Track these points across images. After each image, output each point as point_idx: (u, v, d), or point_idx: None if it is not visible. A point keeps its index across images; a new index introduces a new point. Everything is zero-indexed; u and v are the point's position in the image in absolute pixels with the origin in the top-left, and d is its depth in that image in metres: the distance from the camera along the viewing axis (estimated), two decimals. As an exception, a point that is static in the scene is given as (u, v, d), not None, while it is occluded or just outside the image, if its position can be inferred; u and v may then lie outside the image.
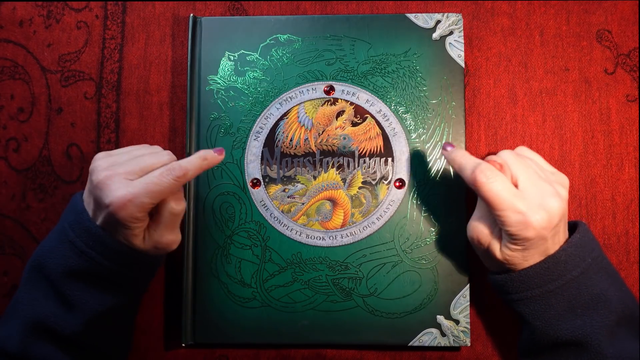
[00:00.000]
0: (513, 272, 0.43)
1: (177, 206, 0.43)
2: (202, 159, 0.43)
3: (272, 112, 0.51)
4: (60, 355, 0.43)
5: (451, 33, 0.51)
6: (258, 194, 0.51)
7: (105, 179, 0.41)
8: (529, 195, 0.41)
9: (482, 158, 0.53)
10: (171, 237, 0.44)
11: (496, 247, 0.43)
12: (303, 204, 0.51)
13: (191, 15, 0.52)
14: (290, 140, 0.51)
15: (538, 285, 0.42)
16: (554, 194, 0.41)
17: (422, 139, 0.51)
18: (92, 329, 0.43)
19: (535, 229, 0.40)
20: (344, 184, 0.51)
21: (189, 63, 0.51)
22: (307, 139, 0.51)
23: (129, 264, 0.44)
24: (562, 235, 0.43)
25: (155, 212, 0.43)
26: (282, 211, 0.51)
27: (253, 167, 0.51)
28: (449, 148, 0.47)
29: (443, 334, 0.49)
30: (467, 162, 0.44)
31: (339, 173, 0.51)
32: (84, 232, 0.42)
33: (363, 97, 0.51)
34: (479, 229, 0.44)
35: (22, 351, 0.41)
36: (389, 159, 0.51)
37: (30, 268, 0.44)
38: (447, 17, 0.51)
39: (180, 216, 0.44)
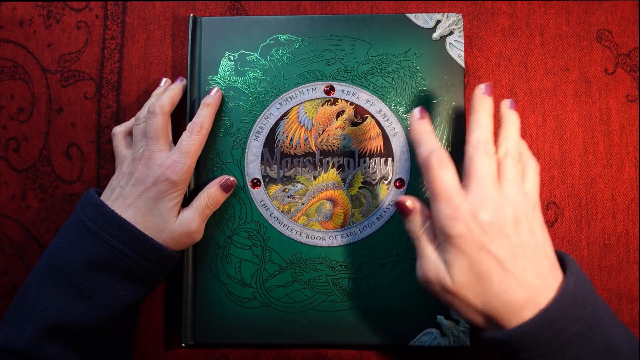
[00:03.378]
0: (502, 329, 0.38)
1: (217, 192, 0.48)
2: (205, 105, 0.49)
3: (272, 112, 0.51)
4: (69, 355, 0.43)
5: (451, 33, 0.51)
6: (258, 194, 0.51)
7: (149, 154, 0.47)
8: (470, 196, 0.40)
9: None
10: (200, 226, 0.48)
11: (444, 275, 0.40)
12: (303, 204, 0.51)
13: (191, 15, 0.52)
14: (290, 140, 0.51)
15: (532, 347, 0.37)
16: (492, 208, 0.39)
17: (422, 139, 0.51)
18: (105, 324, 0.44)
19: (464, 224, 0.39)
20: (344, 184, 0.51)
21: (189, 63, 0.51)
22: (307, 139, 0.51)
23: (150, 255, 0.45)
24: (532, 262, 0.39)
25: (195, 199, 0.48)
26: (282, 211, 0.51)
27: (253, 167, 0.51)
28: (417, 115, 0.44)
29: (443, 334, 0.49)
30: (427, 140, 0.42)
31: (339, 173, 0.51)
32: (108, 222, 0.44)
33: (363, 97, 0.51)
34: (424, 265, 0.41)
35: (31, 350, 0.42)
36: (389, 159, 0.51)
37: (47, 266, 0.44)
38: (447, 17, 0.51)
39: (215, 205, 0.49)
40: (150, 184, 0.46)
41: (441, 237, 0.40)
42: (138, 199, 0.46)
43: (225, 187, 0.49)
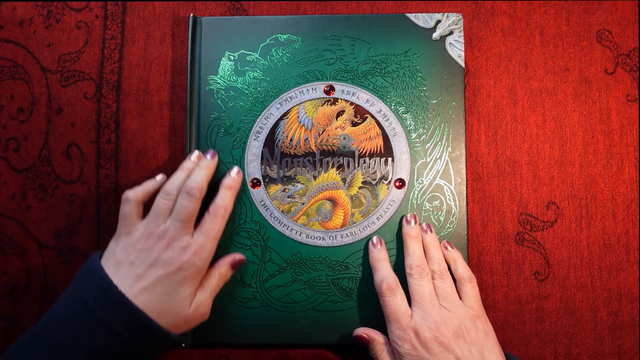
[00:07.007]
0: None
1: (227, 272, 0.48)
2: (228, 188, 0.48)
3: (272, 112, 0.51)
4: None
5: (451, 33, 0.51)
6: (258, 194, 0.51)
7: (176, 236, 0.44)
8: (414, 316, 0.45)
9: (483, 159, 0.53)
10: (210, 305, 0.47)
11: None
12: (303, 204, 0.51)
13: (191, 15, 0.52)
14: (290, 140, 0.51)
15: None
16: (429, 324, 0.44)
17: (422, 139, 0.51)
18: None
19: (410, 343, 0.44)
20: (344, 184, 0.51)
21: (189, 63, 0.51)
22: (307, 139, 0.51)
23: (159, 344, 0.43)
24: None
25: (205, 279, 0.47)
26: (282, 211, 0.51)
27: (253, 167, 0.51)
28: (378, 245, 0.49)
29: (443, 334, 0.49)
30: (381, 268, 0.48)
31: (339, 173, 0.51)
32: (117, 309, 0.41)
33: (363, 97, 0.51)
34: None
35: None
36: (389, 159, 0.51)
37: (34, 342, 0.40)
38: (447, 17, 0.51)
39: (224, 282, 0.48)
40: (175, 269, 0.43)
41: (397, 356, 0.45)
42: (157, 283, 0.43)
43: (235, 266, 0.48)
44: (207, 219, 0.46)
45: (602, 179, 0.52)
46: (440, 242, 0.49)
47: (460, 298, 0.47)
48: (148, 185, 0.47)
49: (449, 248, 0.49)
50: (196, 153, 0.49)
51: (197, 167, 0.48)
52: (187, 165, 0.48)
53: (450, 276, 0.47)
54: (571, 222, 0.52)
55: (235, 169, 0.49)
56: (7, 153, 0.54)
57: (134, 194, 0.46)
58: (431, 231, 0.49)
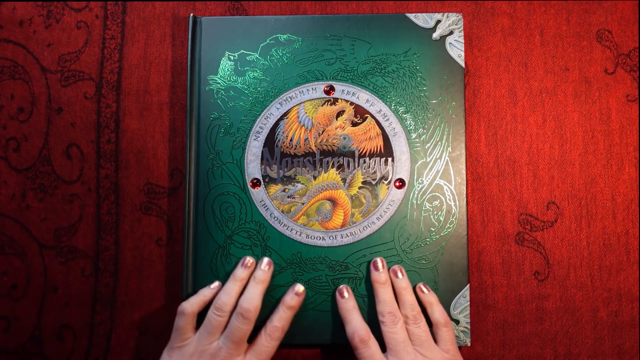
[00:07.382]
0: None
1: None
2: (289, 308, 0.47)
3: (272, 112, 0.51)
4: None
5: (451, 33, 0.51)
6: (258, 194, 0.51)
7: (228, 357, 0.45)
8: None
9: (483, 159, 0.53)
10: None
11: None
12: (303, 204, 0.51)
13: (191, 15, 0.52)
14: (290, 140, 0.51)
15: None
16: None
17: (422, 139, 0.51)
18: None
19: None
20: (344, 184, 0.51)
21: (189, 63, 0.51)
22: (307, 139, 0.51)
23: None
24: None
25: None
26: (282, 211, 0.51)
27: (253, 167, 0.51)
28: (345, 294, 0.48)
29: (443, 334, 0.49)
30: (351, 319, 0.47)
31: (339, 173, 0.51)
32: None
33: (363, 97, 0.51)
34: None
35: None
36: (389, 159, 0.51)
37: None
38: (447, 17, 0.51)
39: None
40: None
41: None
42: None
43: None
44: (262, 340, 0.46)
45: (602, 179, 0.52)
46: (416, 285, 0.49)
47: (435, 342, 0.46)
48: (205, 297, 0.47)
49: (425, 291, 0.48)
50: (249, 260, 0.49)
51: (253, 280, 0.47)
52: (240, 274, 0.48)
53: (424, 320, 0.47)
54: (571, 222, 0.52)
55: (299, 287, 0.48)
56: (7, 153, 0.54)
57: (191, 308, 0.46)
58: (402, 274, 0.48)
